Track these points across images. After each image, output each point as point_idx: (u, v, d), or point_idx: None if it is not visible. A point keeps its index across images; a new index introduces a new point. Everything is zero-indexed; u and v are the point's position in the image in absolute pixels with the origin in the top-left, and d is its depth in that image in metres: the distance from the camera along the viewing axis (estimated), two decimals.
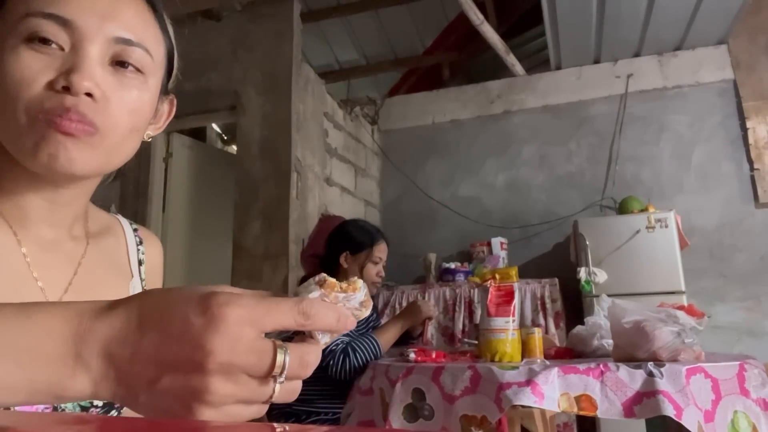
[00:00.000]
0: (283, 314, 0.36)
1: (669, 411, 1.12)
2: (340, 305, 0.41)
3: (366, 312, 0.43)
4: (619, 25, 3.66)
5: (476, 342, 1.63)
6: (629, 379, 1.20)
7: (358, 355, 1.76)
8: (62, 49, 0.53)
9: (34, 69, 0.52)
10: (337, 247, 2.03)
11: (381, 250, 2.04)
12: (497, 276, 1.56)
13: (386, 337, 1.89)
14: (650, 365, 1.21)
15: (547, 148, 4.17)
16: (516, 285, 1.55)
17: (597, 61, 4.14)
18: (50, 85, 0.53)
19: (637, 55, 4.05)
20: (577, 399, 1.21)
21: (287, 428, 0.30)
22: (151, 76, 0.59)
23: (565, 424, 3.13)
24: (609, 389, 1.20)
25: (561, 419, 3.07)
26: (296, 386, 0.38)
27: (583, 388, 1.22)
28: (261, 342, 0.35)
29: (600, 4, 3.44)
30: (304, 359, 0.37)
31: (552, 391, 1.21)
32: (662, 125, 3.93)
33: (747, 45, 3.84)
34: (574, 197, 4.00)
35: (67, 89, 0.52)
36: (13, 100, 0.52)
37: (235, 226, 3.29)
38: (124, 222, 0.76)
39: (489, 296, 1.53)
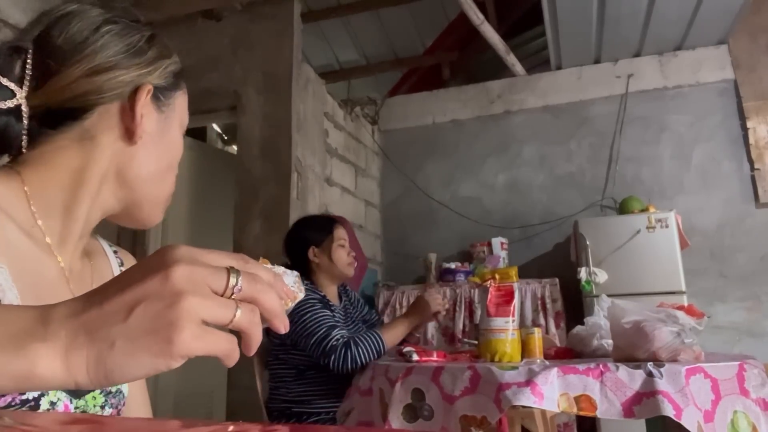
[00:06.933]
0: (224, 255, 0.41)
1: (668, 411, 1.12)
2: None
3: (300, 295, 0.49)
4: (619, 25, 3.65)
5: (476, 342, 1.63)
6: (629, 379, 1.20)
7: (360, 349, 1.73)
8: None
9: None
10: (300, 249, 2.02)
11: (342, 234, 2.05)
12: (497, 276, 1.56)
13: (391, 335, 1.84)
14: (650, 365, 1.21)
15: (548, 148, 4.17)
16: (516, 285, 1.54)
17: (597, 61, 4.14)
18: None
19: (637, 55, 4.05)
20: (577, 399, 1.21)
21: (288, 428, 0.30)
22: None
23: (565, 424, 3.13)
24: (608, 389, 1.20)
25: (561, 419, 3.07)
26: (256, 317, 0.39)
27: (583, 389, 1.21)
28: (213, 266, 0.39)
29: (600, 4, 3.44)
30: (256, 276, 0.41)
31: (551, 392, 1.21)
32: (662, 125, 3.93)
33: (747, 45, 3.84)
34: (575, 197, 4.00)
35: None
36: (174, 171, 0.72)
37: (235, 226, 3.29)
38: (104, 243, 0.77)
39: (489, 296, 1.53)
